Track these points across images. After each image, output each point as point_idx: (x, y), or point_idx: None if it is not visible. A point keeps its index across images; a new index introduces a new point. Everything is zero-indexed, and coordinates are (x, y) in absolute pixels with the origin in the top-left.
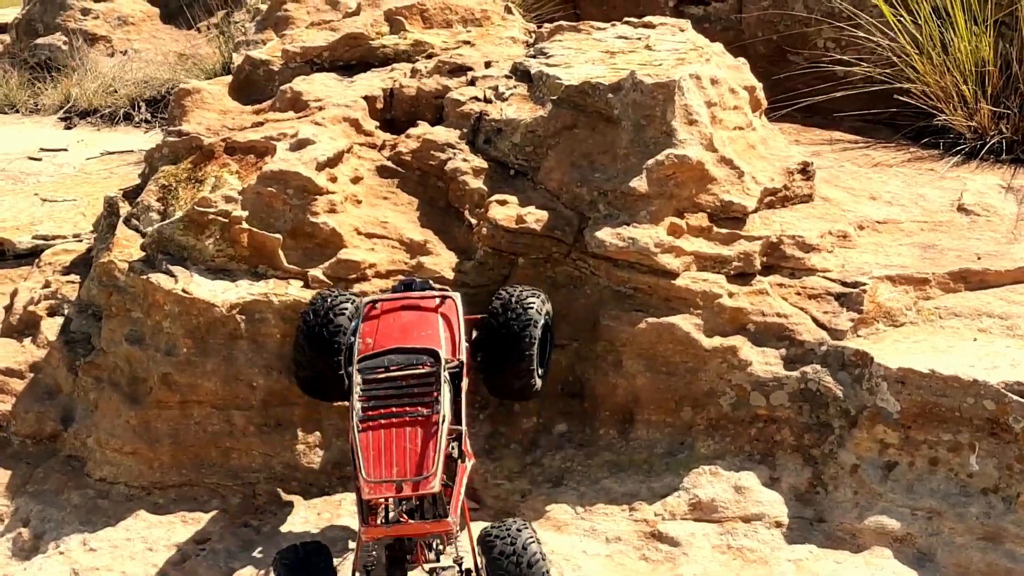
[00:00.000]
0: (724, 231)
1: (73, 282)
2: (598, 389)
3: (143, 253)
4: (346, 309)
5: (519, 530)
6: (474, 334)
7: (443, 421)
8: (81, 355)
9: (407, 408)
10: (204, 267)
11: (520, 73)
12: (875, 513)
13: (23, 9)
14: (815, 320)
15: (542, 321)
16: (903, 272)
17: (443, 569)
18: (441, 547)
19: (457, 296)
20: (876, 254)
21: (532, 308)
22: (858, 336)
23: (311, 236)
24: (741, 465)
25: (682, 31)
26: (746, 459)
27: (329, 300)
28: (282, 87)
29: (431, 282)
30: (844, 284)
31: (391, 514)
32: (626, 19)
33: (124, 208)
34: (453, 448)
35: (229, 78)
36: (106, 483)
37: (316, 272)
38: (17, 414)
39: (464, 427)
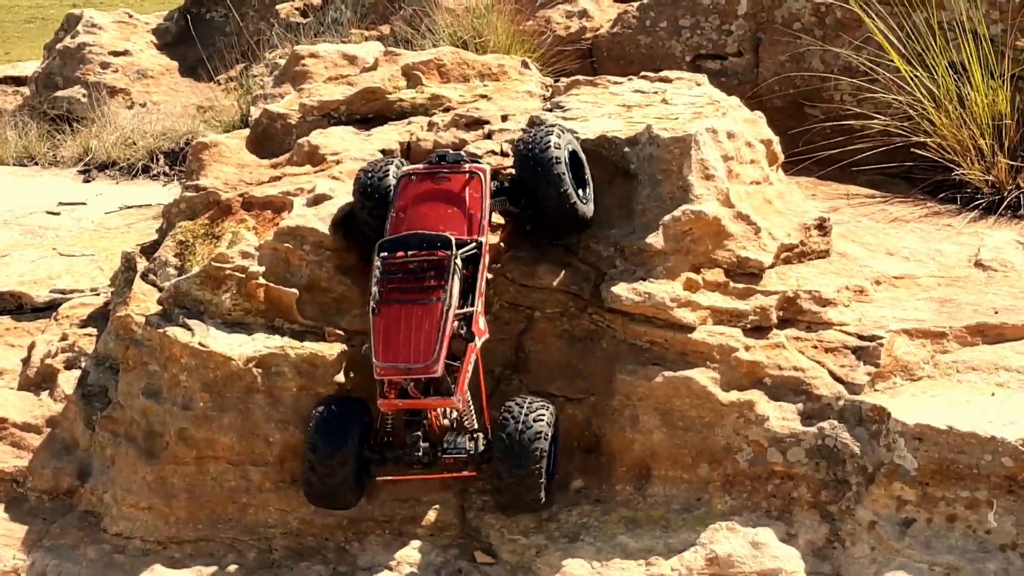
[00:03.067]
0: (740, 286)
1: (90, 335)
2: (614, 444)
3: (160, 307)
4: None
5: (538, 407)
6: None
7: (449, 309)
8: (98, 408)
9: (417, 295)
10: (221, 321)
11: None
12: (892, 569)
13: (43, 62)
14: (832, 374)
15: (567, 148)
16: (920, 326)
17: (456, 436)
18: (455, 414)
19: (487, 169)
20: (893, 308)
21: (551, 140)
22: (875, 390)
23: (327, 291)
24: (758, 521)
25: (699, 85)
26: (763, 515)
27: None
28: (299, 141)
29: (464, 153)
30: (861, 337)
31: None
32: (643, 73)
33: (141, 263)
34: (461, 328)
35: (247, 131)
36: (122, 538)
37: (332, 327)
38: (34, 469)
39: (478, 307)
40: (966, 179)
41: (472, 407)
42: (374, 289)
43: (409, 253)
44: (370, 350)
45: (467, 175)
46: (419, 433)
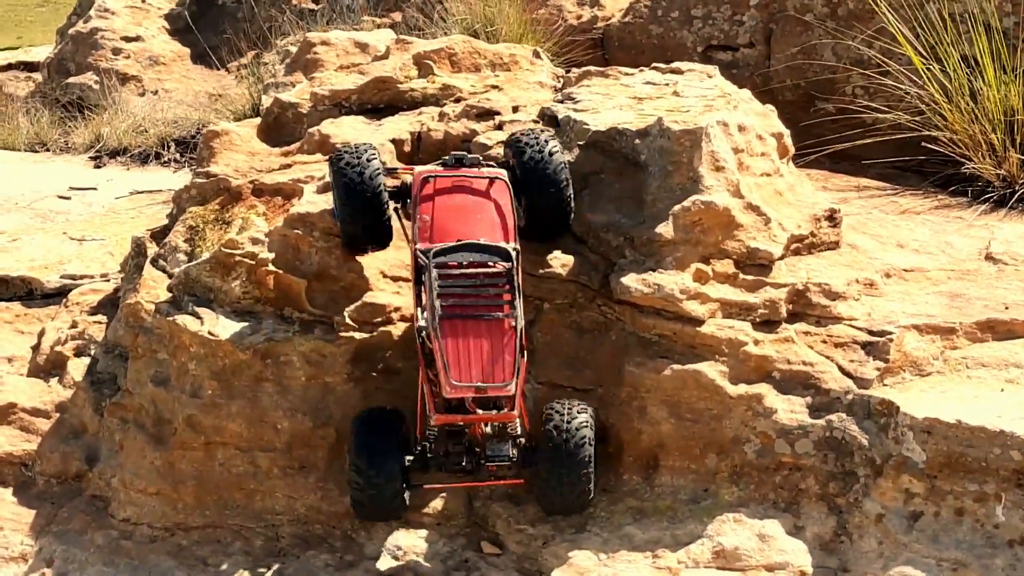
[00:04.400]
0: (750, 278)
1: (100, 322)
2: (622, 435)
3: (170, 294)
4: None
5: (580, 411)
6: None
7: (517, 325)
8: (107, 396)
9: (483, 310)
10: (230, 309)
11: (548, 118)
12: (900, 563)
13: (55, 48)
14: (841, 369)
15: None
16: (930, 321)
17: (499, 443)
18: (497, 426)
19: (505, 175)
20: (903, 303)
21: (557, 145)
22: (884, 385)
23: (336, 279)
24: (765, 513)
25: (710, 77)
26: (770, 507)
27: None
28: (310, 129)
29: (480, 158)
30: (870, 333)
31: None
32: (654, 65)
33: (151, 249)
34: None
35: (258, 120)
36: (130, 524)
37: (342, 315)
38: (42, 454)
39: (522, 320)
40: (977, 173)
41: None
42: (436, 303)
43: (465, 264)
44: (440, 366)
45: (490, 179)
46: (464, 443)
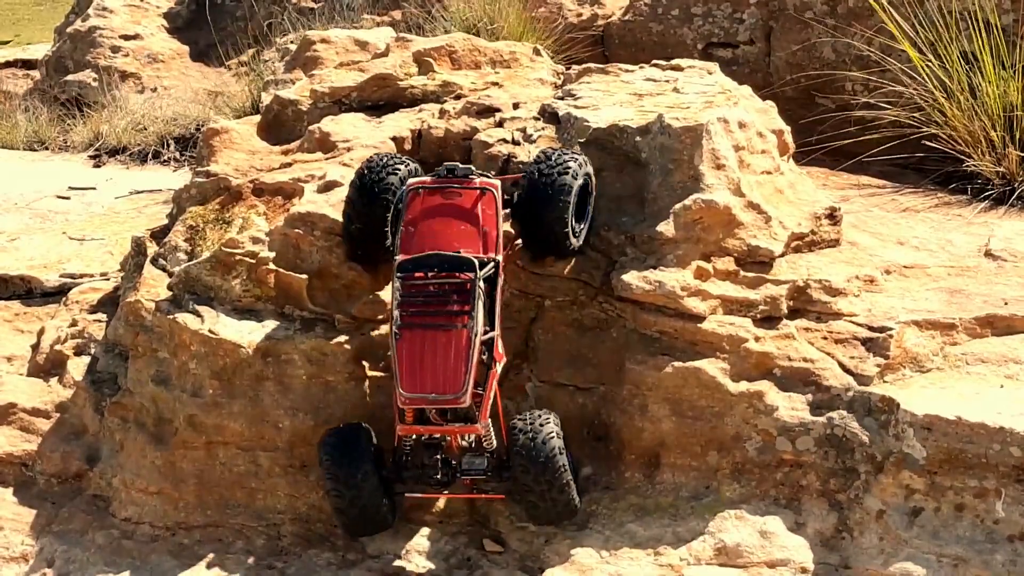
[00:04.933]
0: (751, 275)
1: (100, 321)
2: (624, 433)
3: (170, 293)
4: (398, 170)
5: (541, 424)
6: (515, 196)
7: (475, 336)
8: (107, 395)
9: (442, 320)
10: (231, 307)
11: (548, 115)
12: (901, 560)
13: (53, 46)
14: (841, 365)
15: (580, 180)
16: (930, 317)
17: (474, 456)
18: (473, 438)
19: (497, 184)
20: (903, 299)
21: (569, 167)
22: (884, 382)
23: (337, 277)
24: (766, 510)
25: (710, 74)
26: (771, 504)
27: (384, 159)
28: (310, 127)
29: (472, 168)
30: (871, 329)
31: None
32: (654, 62)
33: (151, 248)
34: (484, 355)
35: (258, 118)
36: (131, 523)
37: (342, 314)
38: (43, 453)
39: (497, 330)
40: (977, 170)
41: (491, 428)
42: (395, 312)
43: (429, 275)
44: (393, 375)
45: (479, 190)
46: (438, 456)
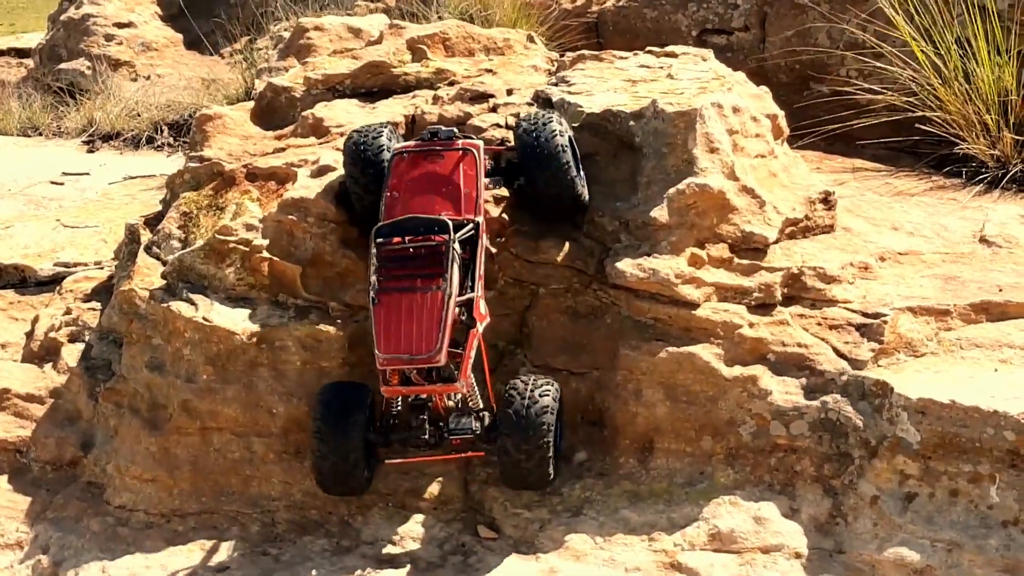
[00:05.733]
0: (745, 262)
1: (94, 309)
2: (618, 418)
3: (164, 281)
4: (382, 132)
5: (540, 396)
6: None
7: (449, 298)
8: (101, 381)
9: (417, 283)
10: (224, 295)
11: (542, 101)
12: (895, 545)
13: (47, 34)
14: (835, 350)
15: (569, 132)
16: (924, 303)
17: (461, 416)
18: (459, 396)
19: (479, 145)
20: (897, 285)
21: (554, 124)
22: (879, 366)
23: (331, 265)
24: (761, 495)
25: (704, 60)
26: (766, 489)
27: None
28: (304, 113)
29: (456, 130)
30: (865, 315)
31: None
32: (648, 48)
33: (145, 236)
34: (463, 314)
35: (251, 104)
36: (125, 510)
37: (335, 302)
38: (37, 440)
39: (478, 292)
40: (971, 153)
41: (476, 388)
42: (373, 278)
43: (407, 239)
44: (371, 338)
45: (460, 152)
46: (425, 416)
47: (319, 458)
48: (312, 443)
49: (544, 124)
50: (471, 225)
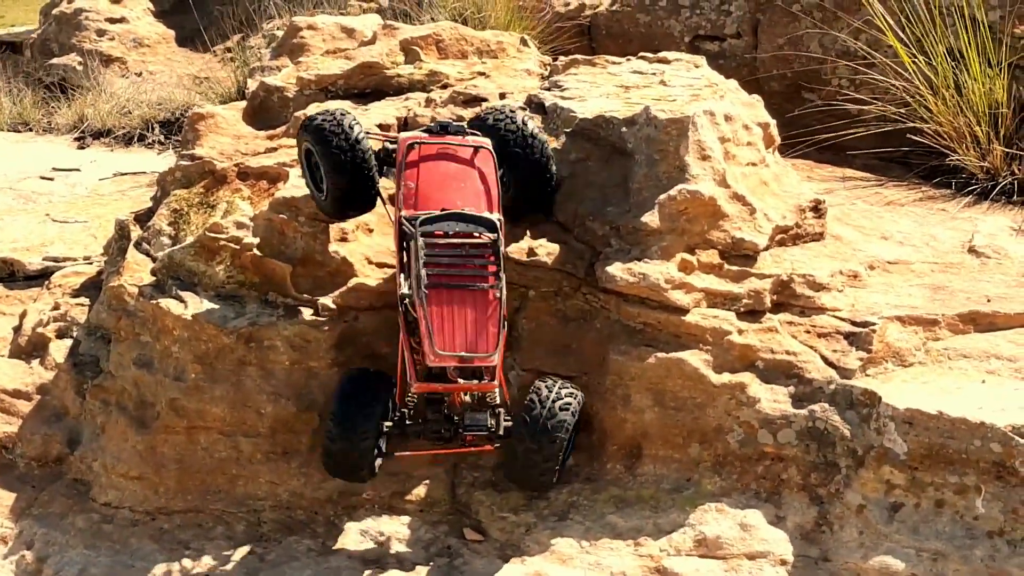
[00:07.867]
0: (735, 268)
1: (83, 305)
2: (606, 423)
3: (153, 278)
4: (349, 114)
5: (561, 408)
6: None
7: (502, 296)
8: (89, 378)
9: (468, 280)
10: (214, 293)
11: (534, 105)
12: (880, 553)
13: (38, 29)
14: (824, 359)
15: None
16: (913, 313)
17: (476, 412)
18: (479, 396)
19: (489, 143)
20: (886, 294)
21: (519, 112)
22: (866, 375)
23: (322, 264)
24: (747, 503)
25: (697, 67)
26: (752, 497)
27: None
28: (296, 113)
29: (465, 126)
30: (854, 323)
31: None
32: (641, 54)
33: (135, 232)
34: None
35: (243, 103)
36: (111, 508)
37: (326, 300)
38: (23, 436)
39: (504, 291)
40: (961, 165)
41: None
42: (422, 271)
43: (450, 234)
44: (424, 334)
45: (474, 148)
46: (443, 410)
47: (331, 440)
48: (327, 424)
49: (513, 112)
50: (499, 223)
